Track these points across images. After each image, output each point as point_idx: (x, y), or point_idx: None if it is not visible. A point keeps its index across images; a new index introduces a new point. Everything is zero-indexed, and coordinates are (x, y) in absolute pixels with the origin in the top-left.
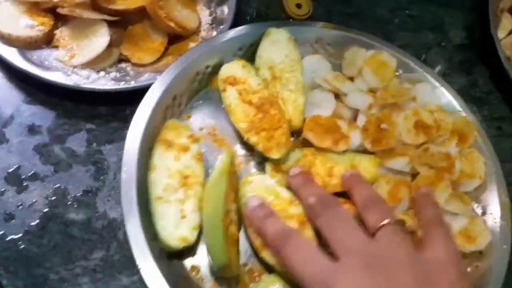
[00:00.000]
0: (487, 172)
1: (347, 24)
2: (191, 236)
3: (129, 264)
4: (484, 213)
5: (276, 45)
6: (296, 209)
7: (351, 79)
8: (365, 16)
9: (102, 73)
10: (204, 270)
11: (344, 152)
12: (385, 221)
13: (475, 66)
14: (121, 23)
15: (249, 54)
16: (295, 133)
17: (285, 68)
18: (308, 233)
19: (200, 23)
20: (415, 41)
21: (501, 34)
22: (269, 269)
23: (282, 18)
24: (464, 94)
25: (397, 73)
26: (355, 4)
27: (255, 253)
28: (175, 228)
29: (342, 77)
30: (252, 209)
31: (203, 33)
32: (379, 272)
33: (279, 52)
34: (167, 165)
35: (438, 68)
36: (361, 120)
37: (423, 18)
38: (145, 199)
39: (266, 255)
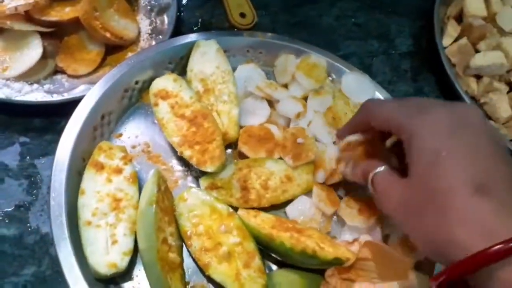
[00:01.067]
0: None
1: (292, 34)
2: (122, 262)
3: (61, 280)
4: None
5: (206, 57)
6: (236, 222)
7: (285, 86)
8: (310, 26)
9: (35, 85)
10: None
11: (280, 158)
12: None
13: (421, 73)
14: (56, 34)
15: (180, 67)
16: (233, 144)
17: (217, 80)
18: (250, 245)
19: (139, 33)
20: (360, 50)
21: (446, 41)
22: (215, 285)
23: (226, 28)
24: None
25: (330, 78)
26: (301, 14)
27: (200, 270)
28: (105, 254)
29: (275, 84)
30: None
31: (142, 43)
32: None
33: (210, 64)
34: (97, 189)
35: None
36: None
37: (369, 27)
38: (76, 223)
39: (213, 272)
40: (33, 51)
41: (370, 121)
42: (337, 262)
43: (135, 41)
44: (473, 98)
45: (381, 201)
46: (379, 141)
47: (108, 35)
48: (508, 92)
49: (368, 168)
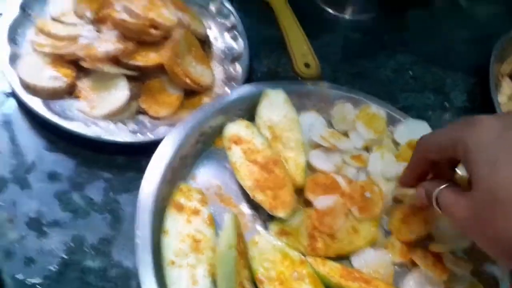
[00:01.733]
0: None
1: (352, 84)
2: None
3: None
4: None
5: (274, 105)
6: (308, 270)
7: (345, 134)
8: (369, 76)
9: (120, 125)
10: None
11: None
12: None
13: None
14: (139, 77)
15: (249, 114)
16: (298, 191)
17: (284, 127)
18: None
19: (214, 79)
20: (418, 102)
21: (501, 98)
22: None
23: (291, 77)
24: None
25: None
26: (359, 65)
27: None
28: None
29: (337, 133)
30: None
31: (216, 89)
32: None
33: (277, 112)
34: (179, 229)
35: None
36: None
37: (425, 80)
38: (158, 262)
39: None
40: (121, 92)
41: (427, 155)
42: None
43: (210, 87)
44: None
45: (449, 216)
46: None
47: (188, 80)
48: None
49: (431, 187)
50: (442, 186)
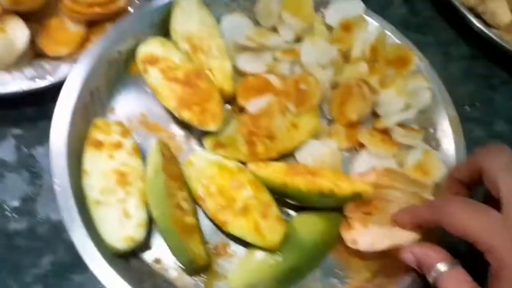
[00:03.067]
0: (433, 94)
1: None
2: (138, 235)
3: (80, 262)
4: (434, 130)
5: (188, 13)
6: (247, 176)
7: (275, 30)
8: None
9: (17, 74)
10: (168, 260)
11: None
12: None
13: None
14: (35, 17)
15: (164, 31)
16: (230, 100)
17: (203, 36)
18: (264, 195)
19: None
20: None
21: None
22: (236, 240)
23: None
24: (406, 23)
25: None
26: None
27: (218, 229)
28: (120, 230)
29: (265, 31)
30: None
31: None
32: None
33: (193, 21)
34: (100, 167)
35: None
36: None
37: None
38: (84, 204)
39: (232, 228)
40: (20, 32)
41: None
42: (356, 197)
43: (119, 12)
44: (471, 9)
45: None
46: None
47: (97, 9)
48: None
49: (428, 258)
50: (445, 268)
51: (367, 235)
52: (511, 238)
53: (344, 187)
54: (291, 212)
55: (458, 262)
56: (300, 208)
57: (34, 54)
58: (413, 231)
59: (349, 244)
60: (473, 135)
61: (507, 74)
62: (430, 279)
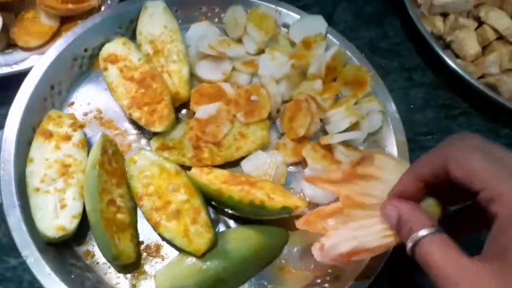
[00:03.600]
0: (385, 118)
1: None
2: (70, 225)
3: (17, 246)
4: None
5: (154, 17)
6: (183, 180)
7: (240, 41)
8: None
9: None
10: (99, 254)
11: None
12: None
13: (386, 17)
14: (11, 8)
15: (131, 31)
16: (187, 104)
17: (166, 40)
18: (196, 201)
19: None
20: None
21: None
22: (170, 243)
23: None
24: (373, 46)
25: (285, 30)
26: None
27: (154, 229)
28: (54, 218)
29: (229, 41)
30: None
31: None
32: None
33: (158, 25)
34: (46, 156)
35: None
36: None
37: None
38: (25, 192)
39: (163, 230)
40: None
41: (449, 169)
42: (286, 211)
43: (91, 11)
44: (440, 37)
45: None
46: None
47: (70, 6)
48: (476, 29)
49: (413, 224)
50: (427, 232)
51: (333, 238)
52: None
53: (276, 200)
54: (232, 224)
55: (442, 228)
56: (245, 221)
57: (7, 43)
58: (416, 194)
59: (316, 250)
60: None
61: (468, 105)
62: (408, 243)
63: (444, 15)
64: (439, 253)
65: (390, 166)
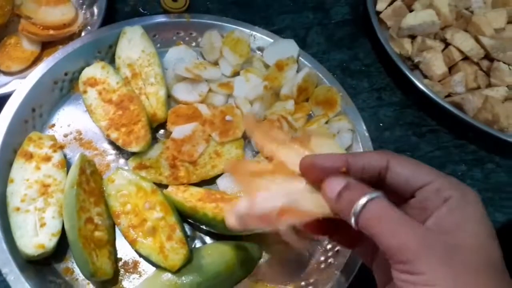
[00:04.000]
0: (354, 136)
1: (225, 13)
2: (50, 243)
3: None
4: None
5: (132, 42)
6: (158, 198)
7: (216, 63)
8: (244, 4)
9: None
10: (78, 270)
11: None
12: None
13: (357, 40)
14: None
15: (110, 56)
16: (165, 125)
17: (143, 63)
18: (171, 218)
19: (77, 12)
20: (294, 22)
21: (381, 6)
22: (145, 259)
23: (159, 13)
24: (345, 68)
25: (259, 53)
26: None
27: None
28: (33, 236)
29: (205, 64)
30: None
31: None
32: None
33: (136, 49)
34: (26, 177)
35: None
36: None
37: (305, 0)
38: (6, 211)
39: (140, 247)
40: None
41: (391, 164)
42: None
43: (72, 36)
44: (408, 58)
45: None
46: None
47: (51, 31)
48: (443, 50)
49: (356, 194)
50: (371, 195)
51: (261, 195)
52: None
53: None
54: (208, 240)
55: (381, 192)
56: (221, 237)
57: None
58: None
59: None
60: None
61: (436, 123)
62: (352, 218)
63: (412, 37)
64: (384, 217)
65: (326, 146)
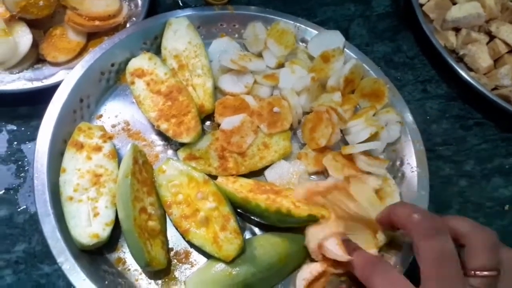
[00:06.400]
0: (403, 129)
1: (267, 5)
2: (104, 233)
3: (51, 254)
4: (401, 164)
5: (178, 34)
6: (211, 188)
7: (260, 55)
8: None
9: (17, 75)
10: (130, 260)
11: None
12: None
13: (399, 33)
14: (40, 25)
15: (156, 47)
16: (212, 116)
17: (190, 55)
18: (225, 209)
19: (121, 4)
20: (336, 14)
21: None
22: (199, 250)
23: (202, 5)
24: (388, 60)
25: (303, 45)
26: None
27: (182, 236)
28: (87, 226)
29: (250, 55)
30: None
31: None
32: None
33: (182, 40)
34: (78, 166)
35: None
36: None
37: None
38: (59, 201)
39: (193, 237)
40: (24, 37)
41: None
42: (312, 219)
43: (117, 27)
44: (453, 51)
45: None
46: None
47: (97, 22)
48: (488, 43)
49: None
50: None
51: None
52: None
53: (302, 209)
54: (257, 231)
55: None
56: (270, 228)
57: (36, 58)
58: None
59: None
60: (442, 173)
61: (481, 116)
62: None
63: (457, 29)
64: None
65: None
